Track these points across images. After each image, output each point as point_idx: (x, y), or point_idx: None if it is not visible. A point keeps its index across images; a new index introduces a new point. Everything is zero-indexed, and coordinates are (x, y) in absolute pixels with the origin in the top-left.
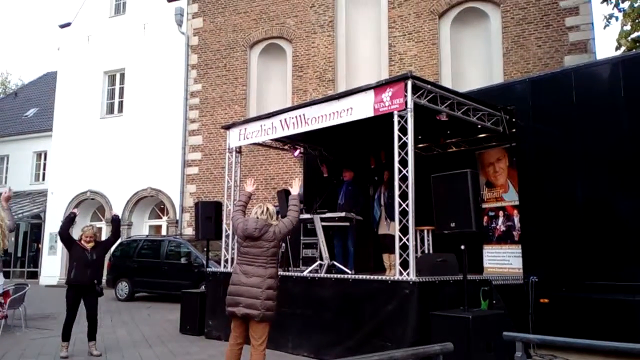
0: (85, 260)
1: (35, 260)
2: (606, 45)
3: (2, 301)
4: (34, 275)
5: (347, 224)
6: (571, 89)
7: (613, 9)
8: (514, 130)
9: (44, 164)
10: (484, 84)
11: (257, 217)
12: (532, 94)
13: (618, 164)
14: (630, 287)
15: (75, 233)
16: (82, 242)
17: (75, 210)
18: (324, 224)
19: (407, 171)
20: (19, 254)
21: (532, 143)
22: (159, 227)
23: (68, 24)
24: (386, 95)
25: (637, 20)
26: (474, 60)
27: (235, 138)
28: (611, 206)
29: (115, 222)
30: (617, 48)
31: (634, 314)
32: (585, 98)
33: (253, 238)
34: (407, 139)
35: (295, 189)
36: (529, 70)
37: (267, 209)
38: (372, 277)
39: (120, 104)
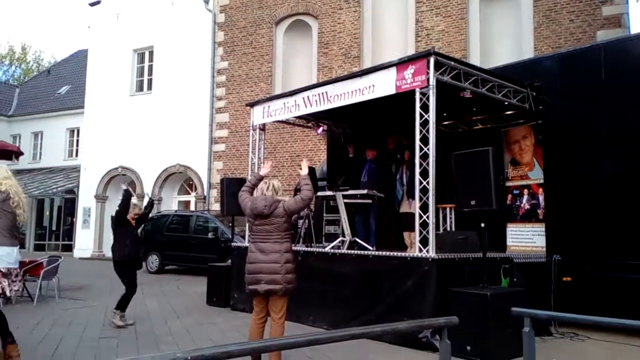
0: (134, 237)
1: (69, 233)
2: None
3: (18, 273)
4: (69, 248)
5: (370, 201)
6: (600, 65)
7: None
8: (540, 107)
9: (77, 141)
10: (513, 60)
11: (265, 195)
12: (560, 70)
13: None
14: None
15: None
16: (129, 219)
17: (127, 187)
18: (346, 201)
19: (428, 149)
20: (54, 228)
21: (559, 120)
22: (187, 203)
23: (98, 2)
24: (408, 72)
25: None
26: (504, 36)
27: (259, 115)
28: (636, 186)
29: (150, 206)
30: None
31: None
32: (615, 75)
33: (264, 215)
34: (428, 116)
35: (304, 169)
36: (560, 46)
37: (272, 185)
38: (391, 253)
39: (150, 81)
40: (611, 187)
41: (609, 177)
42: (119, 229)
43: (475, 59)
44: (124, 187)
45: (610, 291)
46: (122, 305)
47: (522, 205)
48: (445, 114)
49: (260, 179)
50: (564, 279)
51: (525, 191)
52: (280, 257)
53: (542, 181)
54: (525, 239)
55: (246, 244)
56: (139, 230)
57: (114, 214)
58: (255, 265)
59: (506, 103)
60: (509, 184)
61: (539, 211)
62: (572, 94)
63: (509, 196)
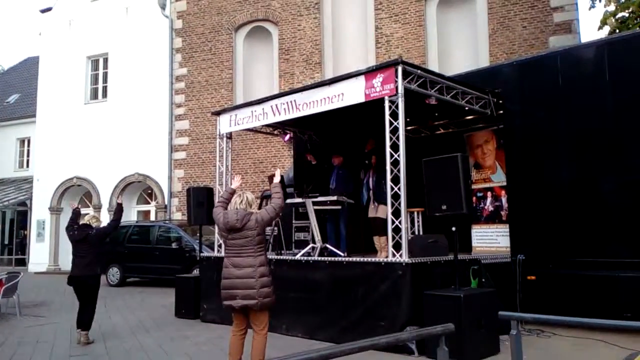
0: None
1: (22, 247)
2: (590, 25)
3: None
4: (22, 262)
5: (339, 207)
6: (557, 72)
7: None
8: (501, 112)
9: (28, 151)
10: (470, 64)
11: (237, 208)
12: (518, 76)
13: (602, 146)
14: (612, 264)
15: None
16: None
17: (77, 205)
18: (316, 207)
19: (398, 155)
20: (6, 242)
21: (519, 125)
22: (147, 213)
23: (49, 9)
24: (377, 80)
25: (621, 1)
26: (460, 42)
27: (225, 124)
28: (595, 186)
29: (120, 212)
30: (600, 28)
31: (616, 289)
32: (571, 81)
33: (236, 229)
34: (398, 123)
35: (277, 177)
36: (514, 51)
37: (246, 197)
38: (365, 259)
39: (105, 89)
40: (570, 189)
41: (567, 179)
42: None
43: (433, 64)
44: (71, 207)
45: (573, 288)
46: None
47: (485, 207)
48: (408, 119)
49: (233, 192)
50: (529, 277)
51: (489, 194)
52: (255, 272)
53: (504, 184)
54: (490, 240)
55: (215, 254)
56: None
57: (92, 226)
58: (229, 281)
59: (467, 109)
60: (473, 186)
61: (502, 213)
62: (530, 99)
63: (474, 198)
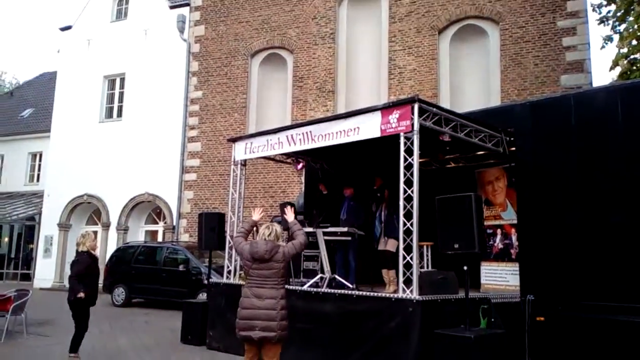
0: (97, 272)
1: (28, 262)
2: (602, 64)
3: None
4: (27, 277)
5: (349, 238)
6: (570, 114)
7: (611, 30)
8: (513, 148)
9: (39, 165)
10: (481, 99)
11: (266, 239)
12: (532, 116)
13: (614, 188)
14: (624, 308)
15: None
16: (92, 251)
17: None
18: (326, 237)
19: (412, 191)
20: (12, 255)
21: (531, 164)
22: (154, 233)
23: (69, 27)
24: (393, 117)
25: (633, 43)
26: (472, 76)
27: (241, 151)
28: (606, 228)
29: None
30: (612, 68)
31: (628, 335)
32: (584, 123)
33: (263, 260)
34: (412, 160)
35: (290, 216)
36: (525, 88)
37: (275, 230)
38: (375, 294)
39: (120, 108)
40: (581, 230)
41: (578, 220)
42: (91, 270)
43: (445, 97)
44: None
45: (582, 332)
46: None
47: (495, 244)
48: (419, 152)
49: (254, 224)
50: (538, 318)
51: (499, 231)
52: (277, 304)
53: (514, 222)
54: (499, 278)
55: (224, 280)
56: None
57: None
58: (249, 312)
59: (479, 146)
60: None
61: (512, 251)
62: (543, 139)
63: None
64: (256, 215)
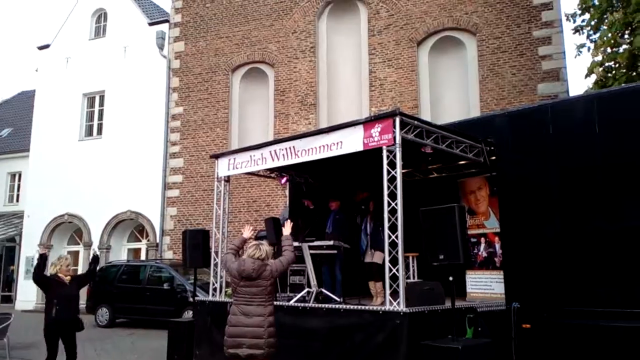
0: (67, 295)
1: (9, 284)
2: (576, 72)
3: None
4: (8, 299)
5: (335, 252)
6: (548, 123)
7: (586, 39)
8: (493, 158)
9: (19, 185)
10: (461, 109)
11: (254, 258)
12: (510, 126)
13: (593, 194)
14: (607, 313)
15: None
16: (60, 275)
17: (44, 251)
18: (312, 252)
19: (395, 204)
20: None
21: (512, 173)
22: (137, 251)
23: (47, 46)
24: (375, 130)
25: (607, 52)
26: (452, 87)
27: (224, 167)
28: (587, 235)
29: (95, 261)
30: (587, 75)
31: (612, 340)
32: (562, 131)
33: (250, 278)
34: (395, 172)
35: (287, 229)
36: (504, 97)
37: (265, 250)
38: (363, 307)
39: (100, 126)
40: (562, 237)
41: (560, 227)
42: (50, 289)
43: (426, 107)
44: (41, 251)
45: (568, 338)
46: None
47: (479, 253)
48: (402, 162)
49: (245, 241)
50: (524, 326)
51: (482, 239)
52: (264, 321)
53: (498, 230)
54: (485, 286)
55: (210, 298)
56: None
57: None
58: (237, 329)
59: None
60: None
61: (496, 259)
62: (522, 148)
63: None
64: (247, 233)
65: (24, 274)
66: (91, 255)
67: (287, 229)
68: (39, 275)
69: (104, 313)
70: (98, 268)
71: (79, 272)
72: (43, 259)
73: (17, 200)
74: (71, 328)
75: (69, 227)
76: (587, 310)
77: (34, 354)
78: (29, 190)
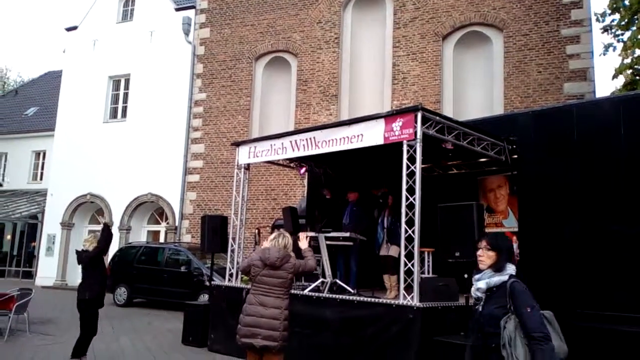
0: (100, 272)
1: (30, 260)
2: (603, 72)
3: None
4: (29, 275)
5: (351, 243)
6: (573, 124)
7: (612, 38)
8: (515, 156)
9: (42, 164)
10: (484, 106)
11: (279, 246)
12: (534, 125)
13: (614, 197)
14: (622, 318)
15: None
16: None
17: (107, 221)
18: (328, 242)
19: (414, 199)
20: (15, 253)
21: (534, 173)
22: (156, 233)
23: (75, 27)
24: (396, 124)
25: (637, 53)
26: (476, 83)
27: (244, 155)
28: (606, 237)
29: (105, 231)
30: (615, 77)
31: (625, 345)
32: (586, 133)
33: (274, 267)
34: (415, 167)
35: (304, 243)
36: (529, 95)
37: (289, 239)
38: (377, 299)
39: (124, 109)
40: (581, 239)
41: (579, 229)
42: (101, 266)
43: (448, 103)
44: (103, 220)
45: (580, 340)
46: (81, 350)
47: None
48: (422, 157)
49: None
50: None
51: None
52: (281, 314)
53: (516, 229)
54: None
55: (226, 283)
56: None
57: (89, 250)
58: (252, 319)
59: (481, 153)
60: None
61: (513, 258)
62: (545, 148)
63: None
64: (304, 244)
65: (45, 250)
66: (103, 224)
67: (303, 243)
68: (106, 249)
69: (122, 292)
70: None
71: None
72: (109, 229)
73: (41, 179)
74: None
75: (90, 207)
76: (601, 313)
77: (51, 329)
78: (52, 169)
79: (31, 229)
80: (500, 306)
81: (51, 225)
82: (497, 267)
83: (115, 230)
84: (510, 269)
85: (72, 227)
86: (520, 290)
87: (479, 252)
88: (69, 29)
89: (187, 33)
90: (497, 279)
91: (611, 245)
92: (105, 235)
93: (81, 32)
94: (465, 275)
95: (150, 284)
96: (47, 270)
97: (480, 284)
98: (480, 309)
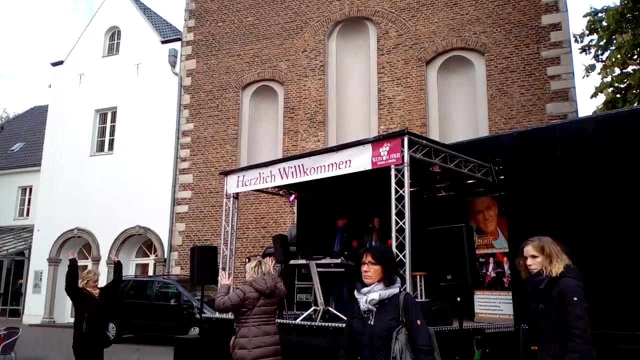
0: (97, 309)
1: (17, 297)
2: (585, 92)
3: None
4: (16, 313)
5: (343, 269)
6: (556, 143)
7: (592, 59)
8: (502, 177)
9: (29, 199)
10: (470, 128)
11: (270, 274)
12: (519, 146)
13: (601, 214)
14: (617, 336)
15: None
16: (89, 289)
17: (74, 256)
18: (319, 269)
19: (403, 223)
20: (1, 291)
21: (520, 193)
22: (145, 266)
23: (60, 62)
24: (383, 149)
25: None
26: (460, 106)
27: (233, 184)
28: (596, 254)
29: (118, 270)
30: (594, 95)
31: None
32: (570, 152)
33: (267, 296)
34: (403, 192)
35: (226, 280)
36: (512, 117)
37: (267, 264)
38: None
39: (111, 141)
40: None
41: (567, 247)
42: (79, 302)
43: (434, 126)
44: (70, 256)
45: None
46: None
47: (488, 272)
48: (410, 181)
49: (228, 287)
50: (532, 348)
51: (491, 259)
52: (279, 339)
53: (506, 250)
54: (493, 307)
55: (217, 315)
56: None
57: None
58: (262, 350)
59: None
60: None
61: (505, 279)
62: (530, 169)
63: (476, 264)
64: (225, 280)
65: (32, 287)
66: (114, 262)
67: (225, 280)
68: (71, 285)
69: (110, 329)
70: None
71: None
72: (73, 265)
73: (27, 215)
74: (100, 343)
75: (77, 242)
76: (596, 332)
77: None
78: (39, 205)
79: (18, 265)
80: (394, 318)
81: (38, 261)
82: (387, 281)
83: (103, 265)
84: (398, 281)
85: (60, 263)
86: (413, 302)
87: (364, 267)
88: (54, 64)
89: (173, 65)
90: (390, 291)
91: (601, 264)
92: (68, 271)
93: (67, 66)
94: (458, 299)
95: (140, 318)
96: (34, 308)
97: (373, 295)
98: (370, 322)
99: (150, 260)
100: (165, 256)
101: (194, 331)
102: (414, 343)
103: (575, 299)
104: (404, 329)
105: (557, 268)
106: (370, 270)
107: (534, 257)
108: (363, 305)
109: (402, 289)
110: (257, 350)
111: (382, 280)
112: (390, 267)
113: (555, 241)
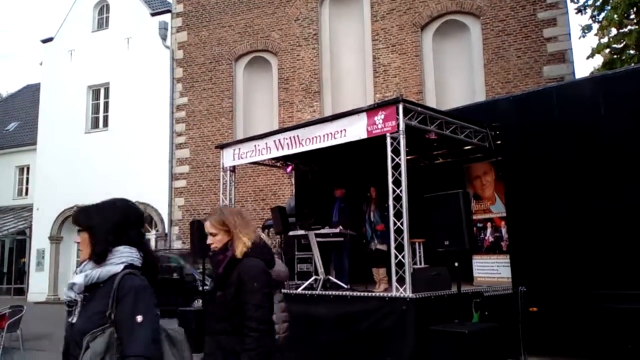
0: None
1: (21, 276)
2: (582, 53)
3: None
4: (21, 291)
5: (342, 239)
6: (553, 106)
7: (588, 19)
8: (498, 142)
9: (27, 179)
10: (466, 93)
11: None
12: (516, 110)
13: (598, 176)
14: (614, 295)
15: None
16: None
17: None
18: (318, 239)
19: (400, 191)
20: (5, 270)
21: (517, 157)
22: None
23: (50, 39)
24: (378, 118)
25: (613, 32)
26: (456, 71)
27: (229, 158)
28: (592, 216)
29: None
30: (591, 56)
31: (618, 322)
32: (567, 114)
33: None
34: (399, 160)
35: None
36: (509, 81)
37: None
38: (369, 293)
39: (105, 118)
40: (568, 220)
41: (565, 210)
42: None
43: (430, 93)
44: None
45: (574, 319)
46: None
47: (486, 237)
48: (407, 149)
49: None
50: (530, 309)
51: (489, 224)
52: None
53: (504, 215)
54: (491, 270)
55: None
56: None
57: None
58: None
59: (466, 141)
60: (473, 217)
61: (503, 243)
62: (528, 132)
63: (474, 229)
64: None
65: (35, 266)
66: None
67: None
68: None
69: None
70: None
71: None
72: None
73: (26, 194)
74: None
75: None
76: (594, 292)
77: (45, 344)
78: (37, 184)
79: (20, 245)
80: (99, 312)
81: (39, 240)
82: (97, 256)
83: None
84: (127, 254)
85: (61, 241)
86: (134, 287)
87: (77, 238)
88: (44, 41)
89: (164, 38)
90: (105, 270)
91: (599, 223)
92: None
93: (57, 43)
94: (456, 264)
95: None
96: (38, 286)
97: (77, 278)
98: (72, 320)
99: (151, 235)
100: (166, 231)
101: (197, 303)
102: (122, 351)
103: (255, 284)
104: (109, 330)
105: (240, 247)
106: (81, 241)
107: (212, 234)
108: (66, 294)
109: (128, 267)
110: (285, 325)
111: (92, 256)
112: (103, 234)
113: (241, 214)
